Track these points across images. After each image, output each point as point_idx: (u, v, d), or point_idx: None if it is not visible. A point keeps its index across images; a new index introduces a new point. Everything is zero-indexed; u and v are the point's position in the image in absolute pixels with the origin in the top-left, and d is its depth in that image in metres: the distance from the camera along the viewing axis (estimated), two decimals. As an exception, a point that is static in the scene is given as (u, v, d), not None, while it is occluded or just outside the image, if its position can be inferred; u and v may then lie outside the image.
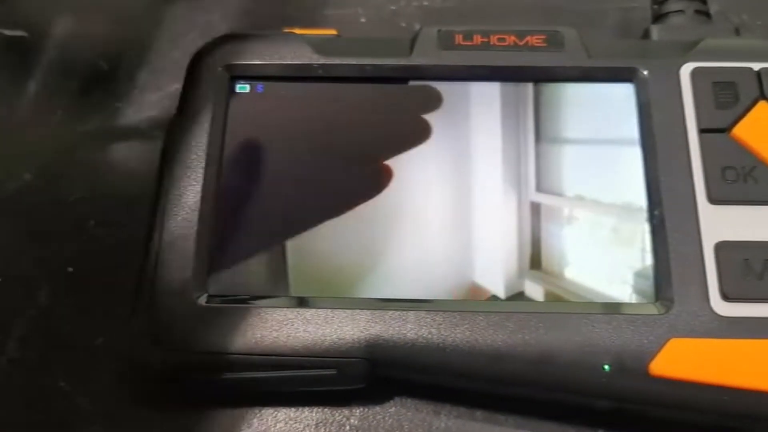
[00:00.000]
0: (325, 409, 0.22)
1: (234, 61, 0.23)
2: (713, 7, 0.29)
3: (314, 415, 0.22)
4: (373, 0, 0.29)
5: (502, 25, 0.28)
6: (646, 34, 0.25)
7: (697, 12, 0.25)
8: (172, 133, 0.23)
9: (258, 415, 0.22)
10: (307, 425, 0.21)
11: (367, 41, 0.24)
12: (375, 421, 0.22)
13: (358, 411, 0.22)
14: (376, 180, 0.22)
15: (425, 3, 0.29)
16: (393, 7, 0.29)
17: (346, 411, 0.22)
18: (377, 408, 0.22)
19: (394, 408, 0.22)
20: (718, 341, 0.19)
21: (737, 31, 0.25)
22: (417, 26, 0.28)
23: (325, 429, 0.21)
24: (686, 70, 0.23)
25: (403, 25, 0.28)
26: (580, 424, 0.21)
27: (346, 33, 0.25)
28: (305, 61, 0.23)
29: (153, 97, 0.27)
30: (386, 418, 0.22)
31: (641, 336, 0.20)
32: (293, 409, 0.22)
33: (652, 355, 0.19)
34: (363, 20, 0.28)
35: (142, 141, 0.26)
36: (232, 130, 0.23)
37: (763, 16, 0.29)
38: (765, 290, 0.20)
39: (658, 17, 0.26)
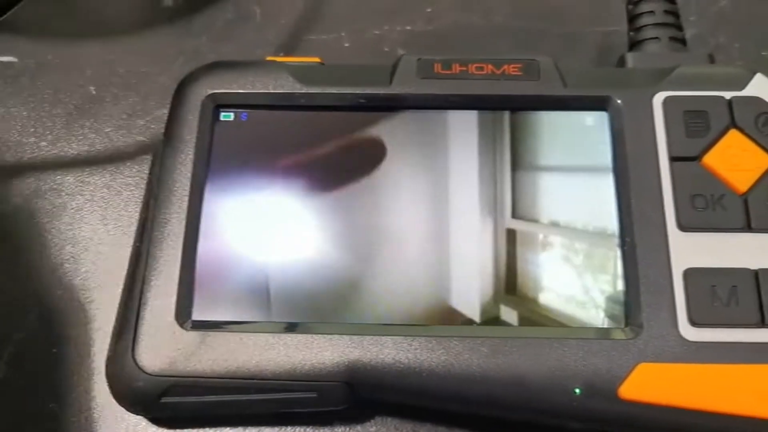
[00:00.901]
0: (308, 429, 0.22)
1: (218, 90, 0.24)
2: (691, 31, 0.29)
3: (297, 435, 0.22)
4: (356, 25, 0.30)
5: (485, 48, 0.29)
6: (621, 62, 0.26)
7: (672, 39, 0.26)
8: (158, 160, 0.24)
9: (243, 435, 0.22)
10: (290, 445, 0.22)
11: (349, 70, 0.25)
12: (356, 441, 0.22)
13: (339, 430, 0.22)
14: (357, 207, 0.23)
15: (408, 27, 0.29)
16: (377, 32, 0.29)
17: (327, 430, 0.22)
18: (358, 428, 0.22)
19: (375, 427, 0.22)
20: (685, 366, 0.20)
21: (711, 58, 0.25)
22: (400, 51, 0.29)
23: (307, 449, 0.22)
24: (659, 99, 0.23)
25: (387, 49, 0.29)
26: (556, 444, 0.22)
27: (329, 58, 0.26)
28: (287, 90, 0.24)
29: (141, 122, 0.27)
30: (367, 438, 0.22)
31: (611, 360, 0.20)
32: (277, 429, 0.22)
33: (621, 380, 0.20)
34: (347, 45, 0.29)
35: (130, 165, 0.26)
36: (216, 158, 0.23)
37: (740, 39, 0.30)
38: (731, 316, 0.20)
39: (634, 44, 0.26)
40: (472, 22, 0.30)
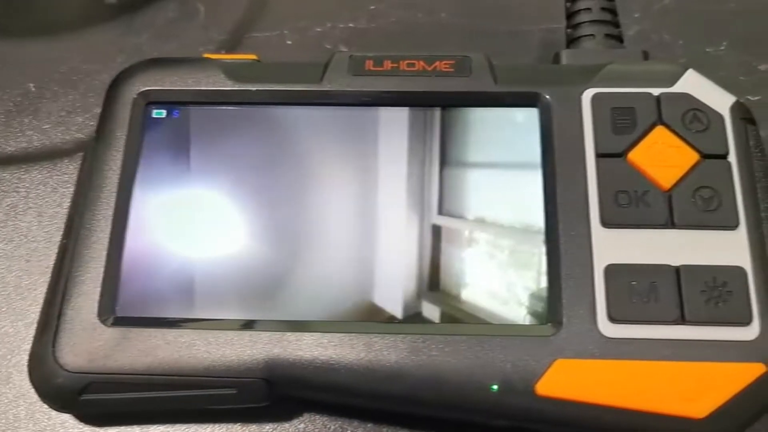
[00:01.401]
0: (235, 426, 0.22)
1: (150, 87, 0.24)
2: (634, 28, 0.29)
3: None
4: (299, 22, 0.30)
5: (428, 46, 0.29)
6: (556, 59, 0.26)
7: (608, 36, 0.26)
8: (88, 157, 0.24)
9: None
10: (216, 442, 0.22)
11: (282, 67, 0.25)
12: (283, 438, 0.22)
13: (267, 427, 0.22)
14: (286, 204, 0.23)
15: (351, 25, 0.29)
16: (319, 29, 0.29)
17: (254, 427, 0.22)
18: (286, 425, 0.22)
19: (302, 425, 0.23)
20: (602, 362, 0.20)
21: (646, 55, 0.25)
22: (342, 48, 0.29)
23: (232, 446, 0.22)
24: (587, 96, 0.23)
25: (329, 47, 0.29)
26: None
27: (272, 56, 0.26)
28: (219, 87, 0.24)
29: (79, 119, 0.27)
30: (294, 435, 0.22)
31: (529, 357, 0.20)
32: (203, 426, 0.22)
33: (539, 376, 0.20)
34: (289, 42, 0.29)
35: (67, 162, 0.26)
36: (147, 155, 0.23)
37: (684, 36, 0.30)
38: (650, 312, 0.20)
39: (571, 41, 0.26)
40: (415, 20, 0.30)
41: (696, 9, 0.30)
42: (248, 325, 0.21)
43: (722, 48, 0.29)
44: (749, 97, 0.28)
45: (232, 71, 0.24)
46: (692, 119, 0.23)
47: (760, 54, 0.29)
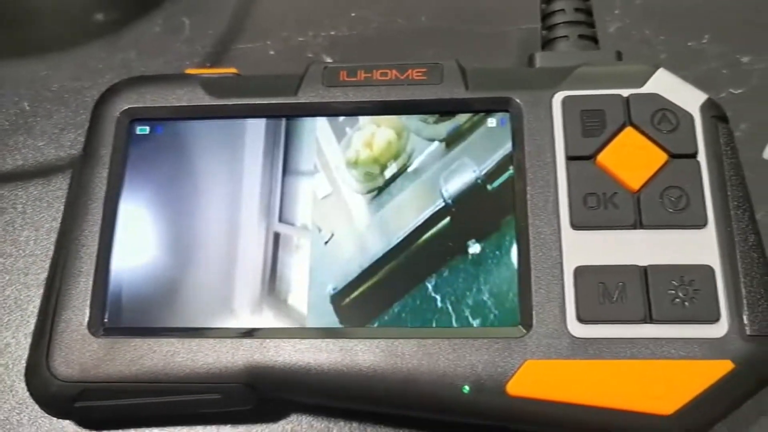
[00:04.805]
0: (225, 428, 0.23)
1: (133, 105, 0.25)
2: (615, 24, 0.30)
3: (211, 434, 0.23)
4: (281, 33, 0.30)
5: (409, 51, 0.30)
6: (531, 61, 0.26)
7: (582, 37, 0.26)
8: (76, 175, 0.24)
9: (158, 436, 0.23)
10: (205, 444, 0.23)
11: (259, 80, 0.25)
12: (269, 439, 0.23)
13: (256, 428, 0.23)
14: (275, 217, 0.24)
15: (332, 33, 0.30)
16: (301, 39, 0.30)
17: (243, 429, 0.23)
18: (273, 426, 0.23)
19: (289, 425, 0.23)
20: (572, 362, 0.21)
21: (619, 56, 0.25)
22: (324, 56, 0.29)
23: (221, 447, 0.23)
24: (558, 99, 0.24)
25: (311, 56, 0.29)
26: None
27: (254, 67, 0.27)
28: (197, 102, 0.25)
29: (71, 135, 0.28)
30: (280, 436, 0.23)
31: (500, 358, 0.21)
32: (194, 428, 0.23)
33: (509, 377, 0.20)
34: (272, 53, 0.30)
35: (62, 178, 0.27)
36: (132, 171, 0.24)
37: (666, 31, 0.30)
38: (618, 312, 0.21)
39: (546, 43, 0.26)
40: (396, 25, 0.30)
41: (677, 4, 0.30)
42: (230, 332, 0.22)
43: (704, 41, 0.29)
44: (732, 90, 0.28)
45: (211, 86, 0.25)
46: (661, 119, 0.23)
47: (743, 46, 0.29)
